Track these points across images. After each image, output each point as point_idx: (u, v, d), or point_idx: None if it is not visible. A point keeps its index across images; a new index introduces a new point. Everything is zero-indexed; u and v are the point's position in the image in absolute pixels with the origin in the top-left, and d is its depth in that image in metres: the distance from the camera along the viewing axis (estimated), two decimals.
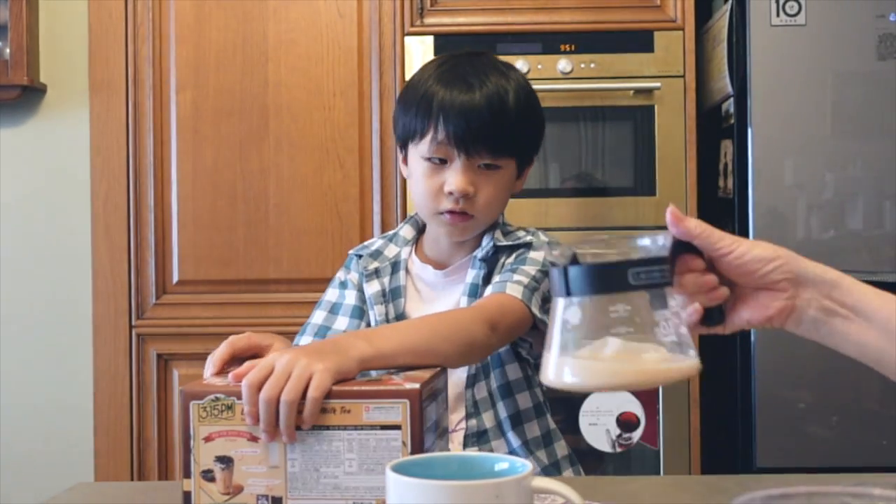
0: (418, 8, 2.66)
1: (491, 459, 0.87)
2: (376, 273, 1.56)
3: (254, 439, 1.04)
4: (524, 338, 1.47)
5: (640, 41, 2.62)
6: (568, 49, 2.63)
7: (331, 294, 1.59)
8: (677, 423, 2.57)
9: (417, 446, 1.02)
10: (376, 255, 1.58)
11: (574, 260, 0.90)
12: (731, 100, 2.53)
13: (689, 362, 0.91)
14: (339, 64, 2.68)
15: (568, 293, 0.90)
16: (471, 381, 1.48)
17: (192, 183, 2.68)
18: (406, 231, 1.61)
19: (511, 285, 1.40)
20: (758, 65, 2.43)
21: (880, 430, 2.37)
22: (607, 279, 0.89)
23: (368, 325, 1.53)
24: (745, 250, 1.00)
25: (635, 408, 2.55)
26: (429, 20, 2.66)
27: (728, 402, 2.59)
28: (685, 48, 2.62)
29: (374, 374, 1.13)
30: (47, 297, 2.77)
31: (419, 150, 1.49)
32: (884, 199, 2.42)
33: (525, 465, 0.82)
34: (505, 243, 1.52)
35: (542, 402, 1.54)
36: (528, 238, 1.53)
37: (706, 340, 2.73)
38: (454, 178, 1.45)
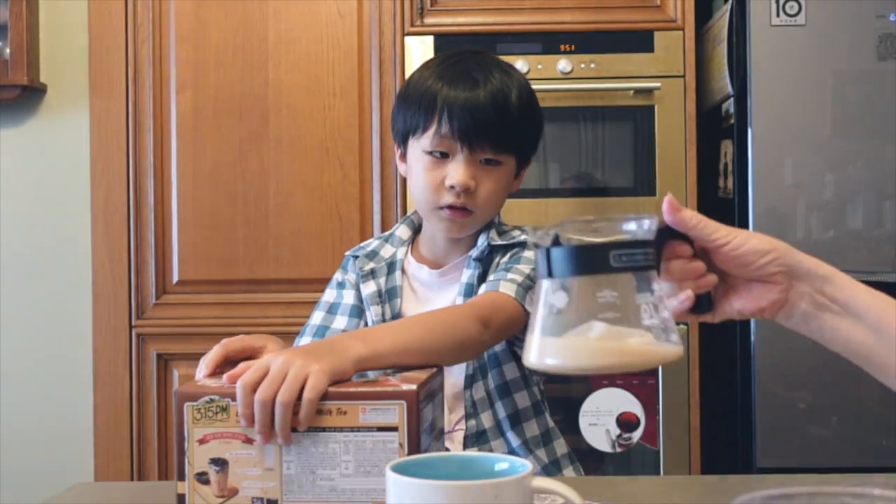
0: (418, 8, 2.65)
1: (491, 459, 0.87)
2: (372, 274, 1.56)
3: (249, 441, 1.03)
4: (520, 337, 1.47)
5: (640, 41, 2.62)
6: (568, 49, 2.62)
7: (328, 295, 1.59)
8: (677, 423, 2.57)
9: (414, 448, 1.01)
10: (372, 255, 1.58)
11: (557, 241, 0.90)
12: (731, 100, 2.53)
13: (672, 347, 0.90)
14: (339, 64, 2.68)
15: (550, 274, 0.90)
16: (469, 382, 1.48)
17: (192, 183, 2.68)
18: (402, 231, 1.61)
19: (504, 283, 1.40)
20: (758, 65, 2.43)
21: (880, 430, 2.37)
22: (588, 260, 0.89)
23: (367, 324, 1.53)
24: (741, 242, 0.99)
25: (635, 408, 2.55)
26: (429, 20, 2.66)
27: (728, 402, 2.59)
28: (685, 48, 2.62)
29: (371, 374, 1.13)
30: (47, 297, 2.77)
31: (420, 144, 1.49)
32: (884, 199, 2.41)
33: (525, 465, 0.82)
34: (500, 243, 1.52)
35: (539, 401, 1.54)
36: (523, 237, 1.53)
37: (706, 341, 2.73)
38: (456, 171, 1.46)
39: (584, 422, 2.55)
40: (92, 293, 2.70)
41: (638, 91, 2.60)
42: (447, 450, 1.40)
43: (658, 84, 2.59)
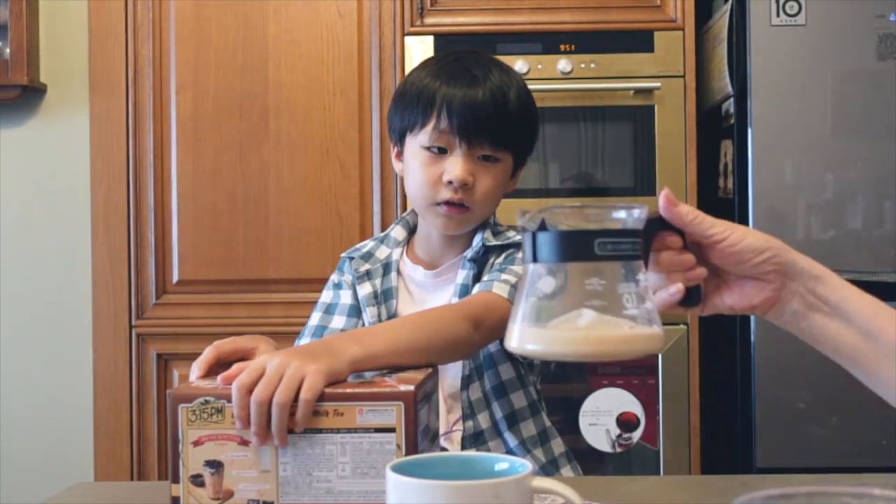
0: (418, 8, 2.65)
1: (491, 459, 0.87)
2: (368, 275, 1.55)
3: (244, 443, 1.02)
4: None
5: (640, 41, 2.62)
6: (568, 49, 2.62)
7: (325, 296, 1.59)
8: (677, 423, 2.57)
9: (412, 449, 1.01)
10: (367, 256, 1.58)
11: (543, 226, 0.89)
12: (731, 100, 2.53)
13: (654, 338, 0.90)
14: (339, 64, 2.68)
15: (535, 259, 0.89)
16: (465, 383, 1.48)
17: (192, 183, 2.68)
18: (397, 232, 1.61)
19: (498, 284, 1.40)
20: (758, 65, 2.43)
21: (880, 430, 2.36)
22: (573, 247, 0.88)
23: (364, 325, 1.53)
24: (738, 239, 0.99)
25: (635, 408, 2.55)
26: (429, 20, 2.66)
27: (728, 402, 2.58)
28: (685, 48, 2.62)
29: (367, 375, 1.12)
30: (47, 297, 2.78)
31: (418, 140, 1.49)
32: (884, 199, 2.41)
33: (525, 465, 0.82)
34: (495, 243, 1.52)
35: (536, 401, 1.54)
36: (518, 238, 1.52)
37: (706, 341, 2.72)
38: (454, 166, 1.45)
39: (584, 422, 2.54)
40: (92, 293, 2.70)
41: (638, 91, 2.60)
42: (444, 451, 1.40)
43: (658, 84, 2.59)
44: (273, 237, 2.67)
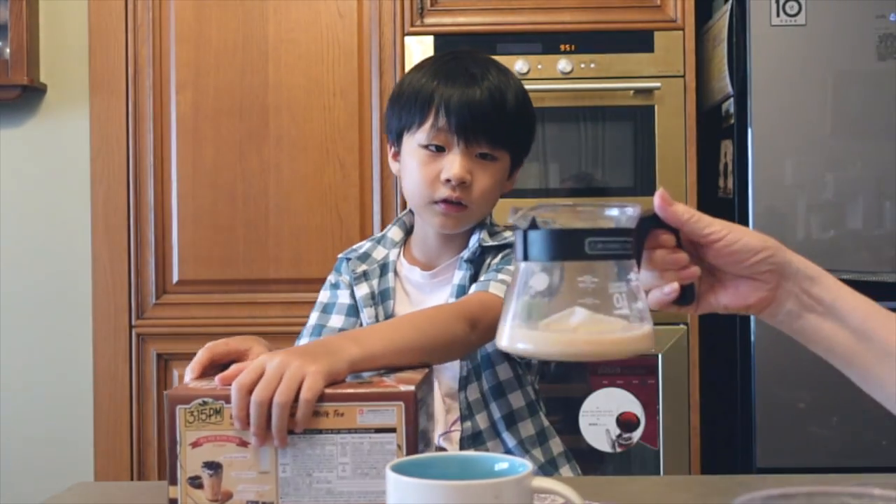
0: (418, 8, 2.65)
1: (491, 459, 0.86)
2: (365, 276, 1.56)
3: (243, 444, 1.02)
4: None
5: (640, 41, 2.62)
6: (568, 49, 2.62)
7: (323, 296, 1.59)
8: (677, 423, 2.57)
9: (412, 449, 1.01)
10: (364, 257, 1.58)
11: (534, 224, 0.89)
12: (731, 100, 2.53)
13: (644, 338, 0.90)
14: (339, 64, 2.68)
15: (525, 257, 0.89)
16: (463, 384, 1.47)
17: (192, 183, 2.68)
18: (394, 233, 1.61)
19: (494, 284, 1.40)
20: (758, 65, 2.43)
21: (880, 430, 2.36)
22: (563, 246, 0.88)
23: (362, 325, 1.53)
24: (735, 238, 0.99)
25: (635, 408, 2.55)
26: (429, 20, 2.66)
27: (728, 402, 2.58)
28: (685, 48, 2.62)
29: (364, 375, 1.12)
30: (47, 297, 2.78)
31: (416, 139, 1.49)
32: (884, 199, 2.41)
33: (525, 465, 0.82)
34: (491, 243, 1.52)
35: (534, 401, 1.53)
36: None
37: (706, 341, 2.72)
38: (452, 164, 1.45)
39: (583, 422, 2.54)
40: (92, 293, 2.70)
41: (638, 91, 2.60)
42: (443, 451, 1.40)
43: (658, 84, 2.59)
44: (273, 237, 2.67)
